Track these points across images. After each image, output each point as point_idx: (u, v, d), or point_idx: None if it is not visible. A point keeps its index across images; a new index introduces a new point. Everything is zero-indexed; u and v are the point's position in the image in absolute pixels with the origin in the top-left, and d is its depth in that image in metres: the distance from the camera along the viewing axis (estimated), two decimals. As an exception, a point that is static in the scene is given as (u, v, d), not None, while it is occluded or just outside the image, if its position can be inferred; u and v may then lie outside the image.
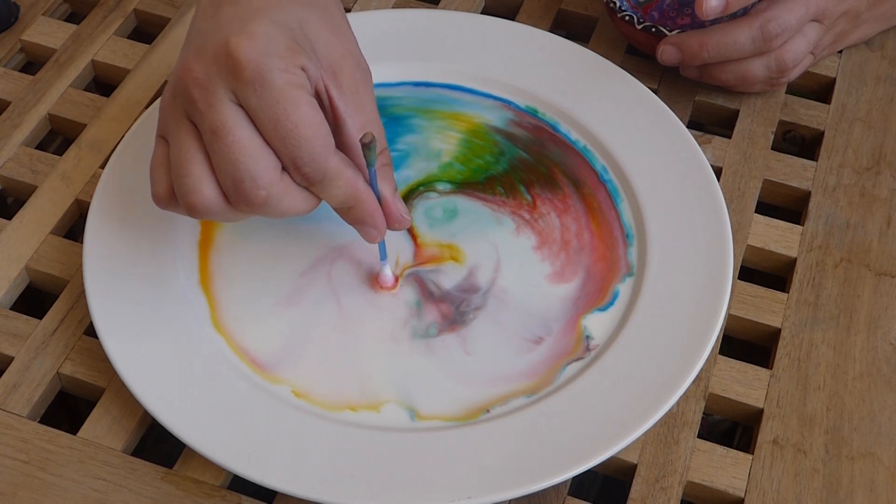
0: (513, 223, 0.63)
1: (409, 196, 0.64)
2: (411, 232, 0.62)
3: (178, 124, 0.52)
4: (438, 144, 0.66)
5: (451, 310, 0.59)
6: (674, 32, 0.67)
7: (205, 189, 0.51)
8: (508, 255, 0.61)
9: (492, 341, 0.58)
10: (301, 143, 0.50)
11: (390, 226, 0.56)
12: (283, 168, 0.51)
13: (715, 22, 0.66)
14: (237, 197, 0.51)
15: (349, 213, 0.54)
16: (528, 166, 0.65)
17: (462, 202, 0.64)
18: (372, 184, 0.54)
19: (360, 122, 0.54)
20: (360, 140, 0.51)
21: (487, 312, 0.59)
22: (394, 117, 0.67)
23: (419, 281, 0.60)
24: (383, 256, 0.59)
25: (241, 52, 0.50)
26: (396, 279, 0.60)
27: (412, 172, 0.65)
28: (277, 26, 0.51)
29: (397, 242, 0.61)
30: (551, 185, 0.64)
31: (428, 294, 0.59)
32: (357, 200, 0.54)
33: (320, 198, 0.54)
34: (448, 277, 0.60)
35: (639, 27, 0.68)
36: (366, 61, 0.56)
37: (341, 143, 0.54)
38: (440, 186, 0.64)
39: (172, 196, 0.53)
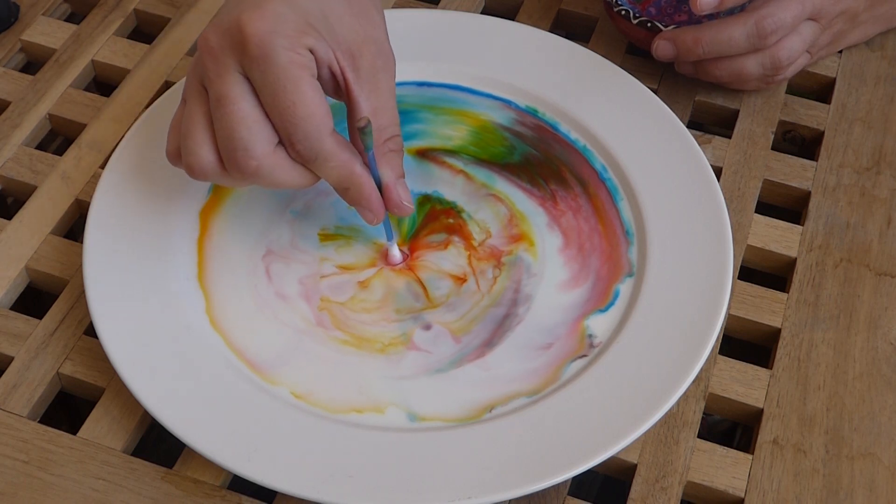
0: (545, 214, 0.62)
1: (426, 153, 0.64)
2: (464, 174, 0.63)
3: (193, 89, 0.55)
4: (449, 132, 0.66)
5: (502, 333, 0.58)
6: (670, 28, 0.67)
7: (203, 152, 0.54)
8: (546, 253, 0.61)
9: (509, 356, 0.57)
10: (296, 121, 0.52)
11: (390, 210, 0.57)
12: (281, 142, 0.53)
13: (711, 18, 0.66)
14: (230, 164, 0.53)
15: (346, 193, 0.56)
16: (540, 162, 0.65)
17: (496, 179, 0.64)
18: (371, 168, 0.55)
19: (372, 106, 0.55)
20: (356, 124, 0.53)
21: (518, 329, 0.58)
22: (399, 112, 0.67)
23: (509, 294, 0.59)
24: (389, 237, 0.60)
25: (249, 27, 0.52)
26: (405, 256, 0.60)
27: (425, 142, 0.65)
28: (292, 7, 0.53)
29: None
30: (563, 184, 0.64)
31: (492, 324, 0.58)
32: (352, 183, 0.55)
33: (318, 175, 0.55)
34: (525, 268, 0.60)
35: (635, 22, 0.68)
36: (391, 50, 0.57)
37: (354, 126, 0.55)
38: (464, 156, 0.64)
39: (179, 154, 0.55)
